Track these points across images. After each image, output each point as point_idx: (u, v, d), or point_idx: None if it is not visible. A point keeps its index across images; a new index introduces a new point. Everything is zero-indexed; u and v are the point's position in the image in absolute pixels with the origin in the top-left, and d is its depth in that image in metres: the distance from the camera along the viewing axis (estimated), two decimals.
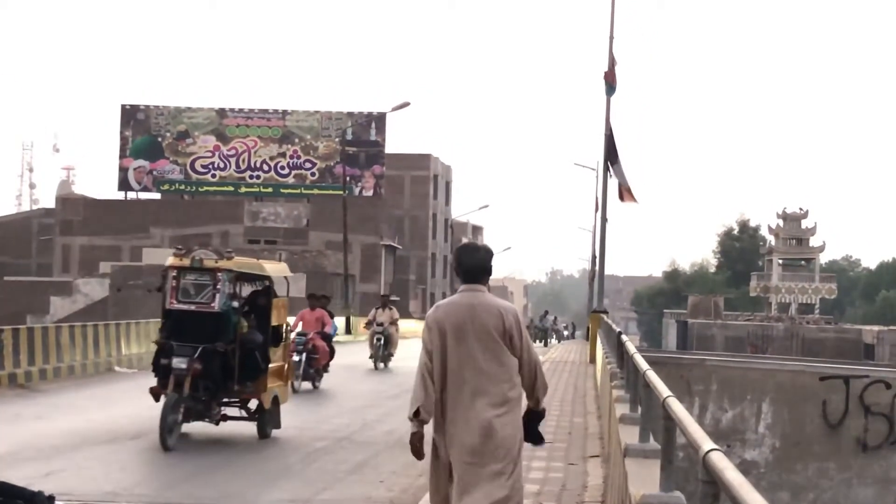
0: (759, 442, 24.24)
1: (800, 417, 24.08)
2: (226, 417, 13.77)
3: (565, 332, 74.17)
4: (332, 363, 22.04)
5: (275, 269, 15.00)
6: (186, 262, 13.24)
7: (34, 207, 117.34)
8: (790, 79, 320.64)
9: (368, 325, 27.87)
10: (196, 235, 68.15)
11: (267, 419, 13.95)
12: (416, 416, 6.11)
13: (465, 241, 8.07)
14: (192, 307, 13.16)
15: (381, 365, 26.83)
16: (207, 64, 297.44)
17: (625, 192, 28.71)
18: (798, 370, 25.47)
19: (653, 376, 6.73)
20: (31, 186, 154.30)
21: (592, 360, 27.62)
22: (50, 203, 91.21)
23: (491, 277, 6.44)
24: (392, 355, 27.38)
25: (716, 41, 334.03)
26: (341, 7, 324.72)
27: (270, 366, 13.86)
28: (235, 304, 13.65)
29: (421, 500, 9.46)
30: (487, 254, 6.41)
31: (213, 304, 13.09)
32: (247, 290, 14.63)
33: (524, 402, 6.36)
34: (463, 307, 6.20)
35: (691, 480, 4.23)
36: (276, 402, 14.09)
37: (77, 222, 69.75)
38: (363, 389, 21.60)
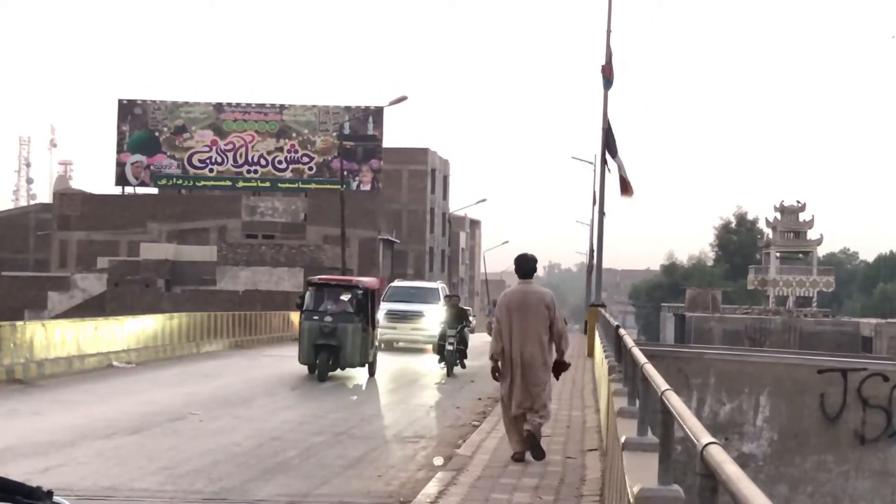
0: (756, 435, 24.24)
1: (798, 410, 24.08)
2: None
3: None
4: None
5: None
6: None
7: (31, 202, 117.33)
8: (788, 71, 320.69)
9: None
10: (193, 230, 68.19)
11: None
12: (493, 358, 10.92)
13: (520, 253, 11.76)
14: None
15: None
16: (204, 58, 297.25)
17: (625, 186, 28.66)
18: (796, 363, 25.43)
19: (650, 370, 6.73)
20: (29, 181, 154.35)
21: (590, 354, 27.60)
22: (47, 198, 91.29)
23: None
24: None
25: (714, 34, 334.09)
26: (339, 1, 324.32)
27: None
28: None
29: (420, 493, 9.46)
30: (534, 261, 11.23)
31: None
32: None
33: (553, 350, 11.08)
34: (520, 293, 10.99)
35: (689, 474, 4.23)
36: None
37: (74, 217, 69.65)
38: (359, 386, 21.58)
